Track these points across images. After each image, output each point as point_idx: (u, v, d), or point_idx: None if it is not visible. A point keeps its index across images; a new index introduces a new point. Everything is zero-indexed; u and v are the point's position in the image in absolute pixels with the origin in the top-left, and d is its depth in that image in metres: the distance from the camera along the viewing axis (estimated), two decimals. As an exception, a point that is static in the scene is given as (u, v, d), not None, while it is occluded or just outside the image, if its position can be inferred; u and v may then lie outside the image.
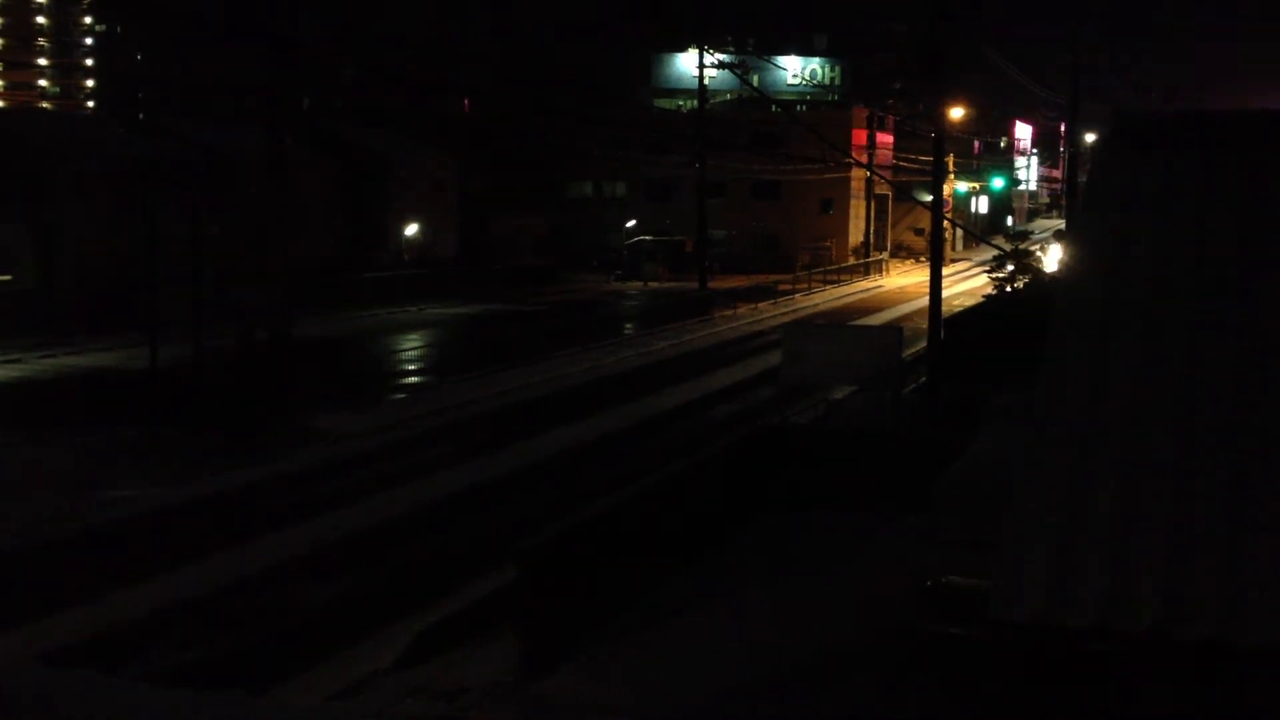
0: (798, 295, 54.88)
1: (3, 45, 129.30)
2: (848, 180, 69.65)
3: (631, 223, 67.67)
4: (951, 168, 66.16)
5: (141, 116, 69.05)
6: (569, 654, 11.65)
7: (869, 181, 71.27)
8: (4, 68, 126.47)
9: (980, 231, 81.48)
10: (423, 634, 13.29)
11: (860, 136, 71.24)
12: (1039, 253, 39.74)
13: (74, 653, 12.71)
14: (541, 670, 11.33)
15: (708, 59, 53.06)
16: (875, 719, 10.25)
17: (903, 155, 73.95)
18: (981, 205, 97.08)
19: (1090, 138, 66.79)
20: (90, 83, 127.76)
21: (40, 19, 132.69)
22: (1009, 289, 33.29)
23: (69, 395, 27.64)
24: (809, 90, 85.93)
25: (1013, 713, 6.99)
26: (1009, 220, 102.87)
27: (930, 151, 28.59)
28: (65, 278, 43.62)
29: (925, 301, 25.23)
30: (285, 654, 13.13)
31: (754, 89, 28.81)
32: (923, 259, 66.23)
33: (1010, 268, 35.46)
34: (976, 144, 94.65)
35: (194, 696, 10.10)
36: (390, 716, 10.78)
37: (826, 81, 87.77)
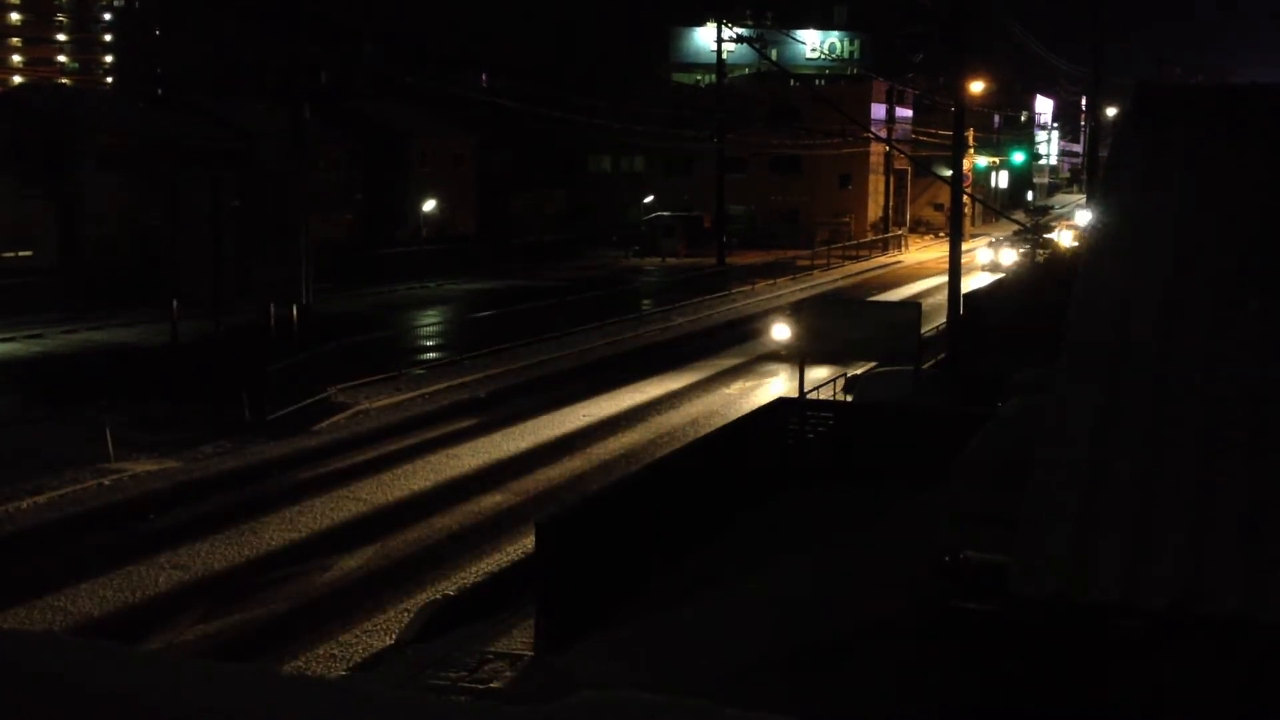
0: (816, 271, 54.70)
1: (23, 20, 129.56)
2: (867, 155, 69.26)
3: (650, 198, 67.45)
4: (971, 142, 65.70)
5: (161, 92, 69.15)
6: (590, 627, 11.71)
7: (888, 156, 70.86)
8: (24, 43, 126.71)
9: (1000, 206, 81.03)
10: (444, 606, 13.37)
11: (879, 111, 70.79)
12: (1058, 227, 39.63)
13: (98, 625, 12.84)
14: (562, 644, 11.39)
15: (726, 33, 52.79)
16: (895, 693, 10.29)
17: (922, 130, 73.42)
18: (1002, 180, 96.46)
19: (1112, 111, 66.23)
20: (110, 58, 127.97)
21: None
22: (1031, 260, 33.17)
23: (92, 371, 27.79)
24: (828, 64, 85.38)
25: (1033, 687, 7.01)
26: (1029, 195, 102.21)
27: (950, 125, 28.43)
28: (87, 253, 43.79)
29: (944, 277, 25.15)
30: (305, 626, 13.23)
31: (773, 63, 28.49)
32: (942, 234, 65.90)
33: (1023, 248, 35.36)
34: (997, 118, 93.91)
35: (215, 667, 10.18)
36: (412, 688, 10.86)
37: (846, 55, 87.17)
